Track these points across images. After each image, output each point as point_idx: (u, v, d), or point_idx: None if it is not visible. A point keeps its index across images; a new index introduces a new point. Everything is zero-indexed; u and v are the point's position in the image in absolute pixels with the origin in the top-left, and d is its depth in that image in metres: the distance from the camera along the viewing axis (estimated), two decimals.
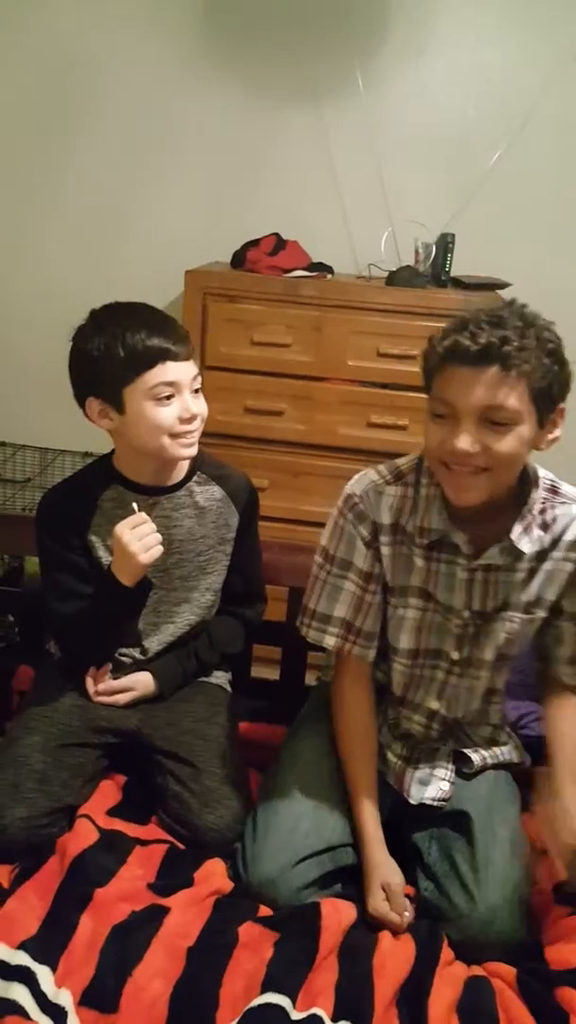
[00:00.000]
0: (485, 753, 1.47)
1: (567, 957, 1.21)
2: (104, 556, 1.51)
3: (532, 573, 1.35)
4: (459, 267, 2.30)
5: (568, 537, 1.32)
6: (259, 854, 1.33)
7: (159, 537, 1.40)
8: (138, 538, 1.38)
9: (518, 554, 1.31)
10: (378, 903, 1.29)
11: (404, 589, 1.39)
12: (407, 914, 1.29)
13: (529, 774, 1.56)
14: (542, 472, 1.34)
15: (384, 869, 1.33)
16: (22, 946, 1.16)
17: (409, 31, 2.37)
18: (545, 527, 1.32)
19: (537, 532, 1.32)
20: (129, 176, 2.59)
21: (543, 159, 2.41)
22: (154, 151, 2.56)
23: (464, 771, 1.45)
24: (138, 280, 2.59)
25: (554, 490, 1.34)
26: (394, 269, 2.35)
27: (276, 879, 1.31)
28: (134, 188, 2.60)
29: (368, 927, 1.27)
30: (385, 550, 1.38)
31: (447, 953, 1.23)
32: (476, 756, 1.45)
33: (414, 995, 1.15)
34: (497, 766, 1.48)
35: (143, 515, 1.40)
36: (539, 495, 1.31)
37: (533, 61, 2.35)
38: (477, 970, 1.22)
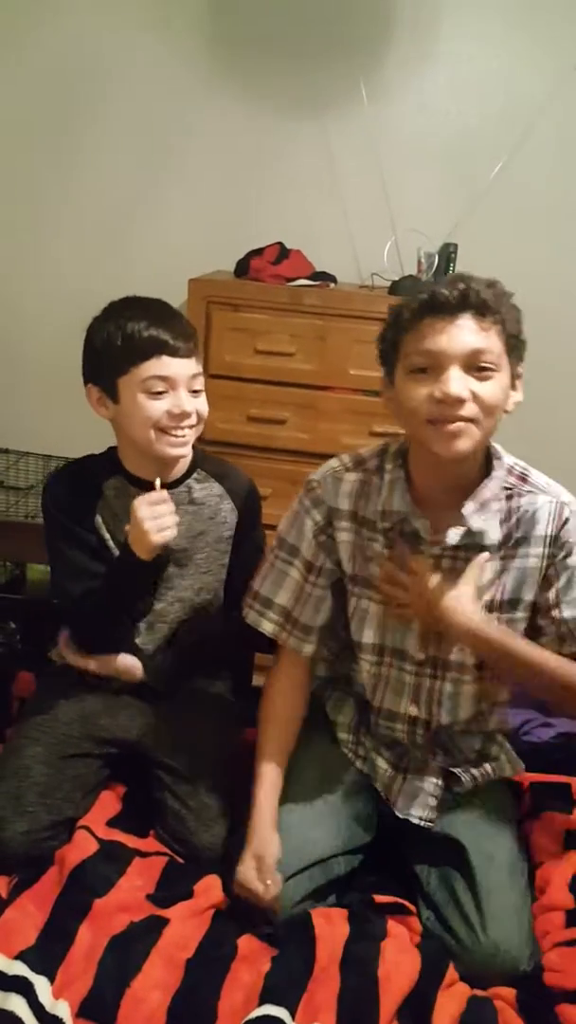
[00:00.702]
0: (476, 772, 1.44)
1: (565, 983, 1.20)
2: (109, 541, 1.50)
3: (500, 568, 1.33)
4: None
5: (536, 532, 1.31)
6: None
7: (176, 519, 1.38)
8: (153, 516, 1.35)
9: (478, 536, 1.29)
10: (247, 870, 1.28)
11: (366, 579, 1.38)
12: (270, 883, 1.27)
13: (522, 785, 1.56)
14: (511, 459, 1.34)
15: (264, 843, 1.31)
16: (20, 956, 1.15)
17: (412, 42, 2.38)
18: (509, 515, 1.31)
19: (499, 518, 1.30)
20: (133, 184, 2.60)
21: (546, 169, 2.41)
22: (159, 160, 2.56)
23: (455, 790, 1.43)
24: (142, 288, 2.57)
25: (523, 478, 1.33)
26: (397, 279, 2.35)
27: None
28: (138, 196, 2.60)
29: (369, 938, 1.25)
30: (343, 536, 1.37)
31: (451, 974, 1.22)
32: (467, 777, 1.42)
33: (418, 1010, 1.14)
34: (489, 782, 1.46)
35: (164, 494, 1.38)
36: (501, 476, 1.31)
37: (536, 72, 2.35)
38: (479, 991, 1.21)
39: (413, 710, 1.40)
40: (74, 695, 1.54)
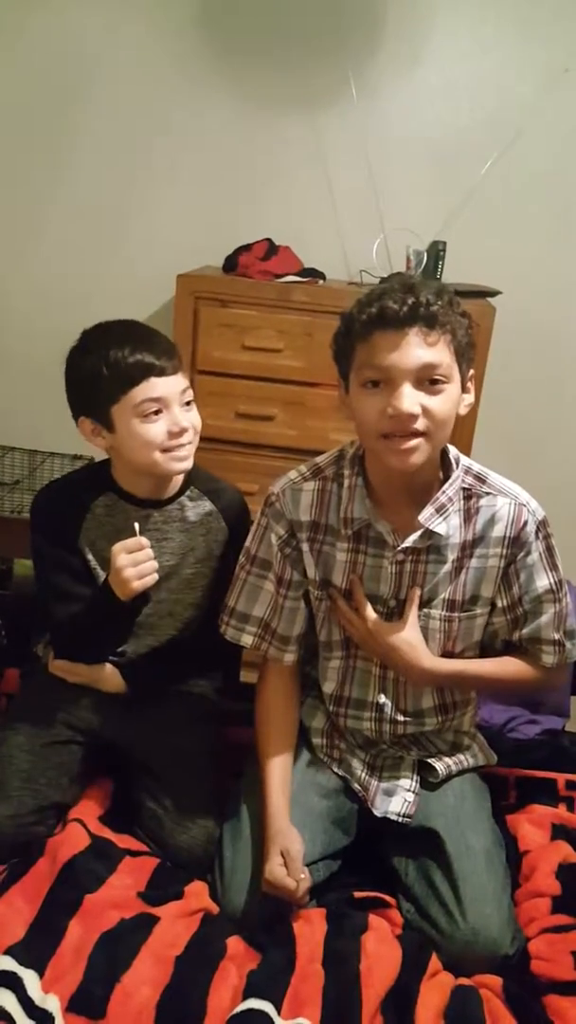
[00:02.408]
0: (449, 761, 1.46)
1: (552, 973, 1.21)
2: (92, 560, 1.51)
3: (460, 568, 1.36)
4: (450, 275, 2.31)
5: (494, 533, 1.34)
6: (228, 888, 1.33)
7: (155, 565, 1.40)
8: (133, 563, 1.37)
9: (437, 538, 1.32)
10: (275, 867, 1.28)
11: (330, 583, 1.41)
12: (303, 877, 1.27)
13: (507, 779, 1.58)
14: (467, 460, 1.38)
15: (284, 836, 1.32)
16: (9, 951, 1.15)
17: (403, 40, 2.38)
18: (468, 516, 1.34)
19: (458, 520, 1.34)
20: (122, 180, 2.59)
21: (535, 169, 2.42)
22: (148, 155, 2.55)
23: (429, 780, 1.44)
24: (130, 283, 2.60)
25: (480, 479, 1.36)
26: (385, 276, 2.35)
27: (247, 912, 1.30)
28: (127, 192, 2.59)
29: (349, 933, 1.26)
30: (304, 547, 1.40)
31: (435, 964, 1.22)
32: (440, 765, 1.45)
33: (401, 1003, 1.15)
34: (463, 771, 1.48)
35: (142, 540, 1.39)
36: (458, 478, 1.34)
37: (526, 72, 2.36)
38: (464, 980, 1.22)
39: (381, 698, 1.43)
40: (57, 689, 1.56)
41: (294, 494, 1.40)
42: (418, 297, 1.18)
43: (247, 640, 1.46)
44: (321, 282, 2.38)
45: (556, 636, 1.40)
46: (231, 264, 2.38)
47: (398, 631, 1.34)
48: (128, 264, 2.62)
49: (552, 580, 1.38)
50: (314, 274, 2.38)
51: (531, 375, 2.56)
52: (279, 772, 1.40)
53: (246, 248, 2.37)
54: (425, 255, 2.31)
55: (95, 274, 2.65)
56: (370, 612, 1.36)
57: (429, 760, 1.45)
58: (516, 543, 1.35)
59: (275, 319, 2.26)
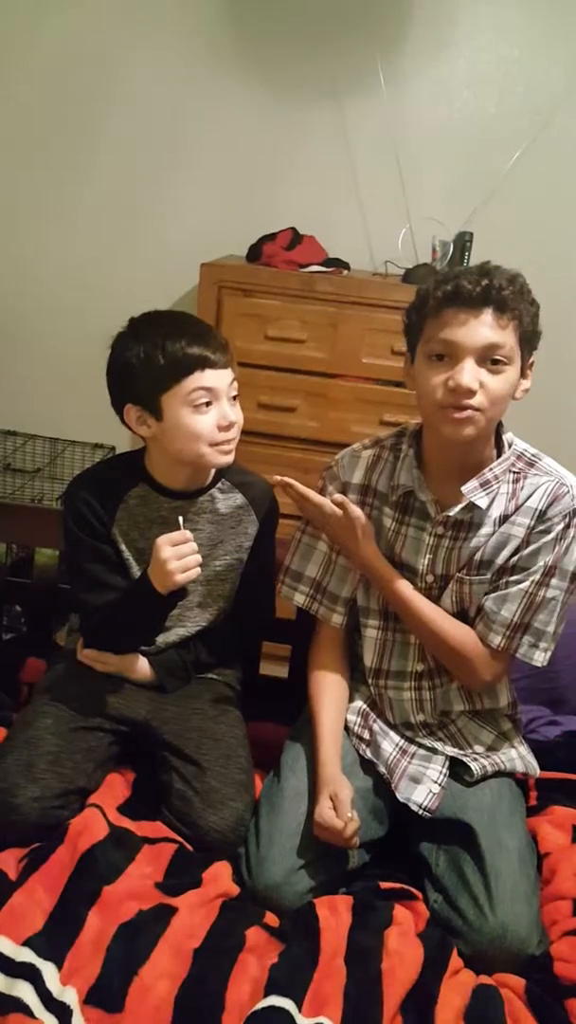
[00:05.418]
0: (485, 762, 1.45)
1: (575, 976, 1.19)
2: (126, 551, 1.51)
3: (490, 536, 1.39)
4: None
5: (528, 504, 1.37)
6: (264, 859, 1.33)
7: (199, 558, 1.40)
8: (177, 556, 1.37)
9: (477, 511, 1.36)
10: (324, 811, 1.31)
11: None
12: (351, 818, 1.30)
13: (527, 781, 1.56)
14: (523, 446, 1.42)
15: (334, 783, 1.35)
16: (28, 942, 1.15)
17: (431, 28, 2.35)
18: (514, 496, 1.38)
19: (503, 501, 1.37)
20: (148, 169, 2.58)
21: (564, 158, 2.39)
22: (173, 144, 2.55)
23: (465, 778, 1.44)
24: (154, 272, 2.59)
25: (532, 463, 1.40)
26: (411, 267, 2.33)
27: (281, 884, 1.30)
28: (153, 181, 2.58)
29: (372, 928, 1.24)
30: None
31: (456, 961, 1.21)
32: (476, 765, 1.44)
33: (421, 1003, 1.13)
34: (499, 773, 1.46)
35: (187, 533, 1.39)
36: (509, 461, 1.38)
37: (555, 59, 2.33)
38: (485, 979, 1.20)
39: (420, 666, 1.47)
40: (83, 674, 1.56)
41: (351, 459, 1.48)
42: (492, 280, 1.24)
43: (299, 599, 1.52)
44: (345, 272, 2.36)
45: (515, 619, 1.38)
46: (255, 253, 2.36)
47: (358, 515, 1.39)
48: (152, 253, 2.62)
49: (551, 565, 1.36)
50: (339, 264, 2.36)
51: (558, 369, 2.52)
52: (330, 724, 1.45)
53: (270, 237, 2.36)
54: (451, 246, 2.29)
55: (119, 263, 2.64)
56: (337, 499, 1.39)
57: (464, 759, 1.45)
58: (543, 517, 1.36)
59: (299, 309, 2.24)
